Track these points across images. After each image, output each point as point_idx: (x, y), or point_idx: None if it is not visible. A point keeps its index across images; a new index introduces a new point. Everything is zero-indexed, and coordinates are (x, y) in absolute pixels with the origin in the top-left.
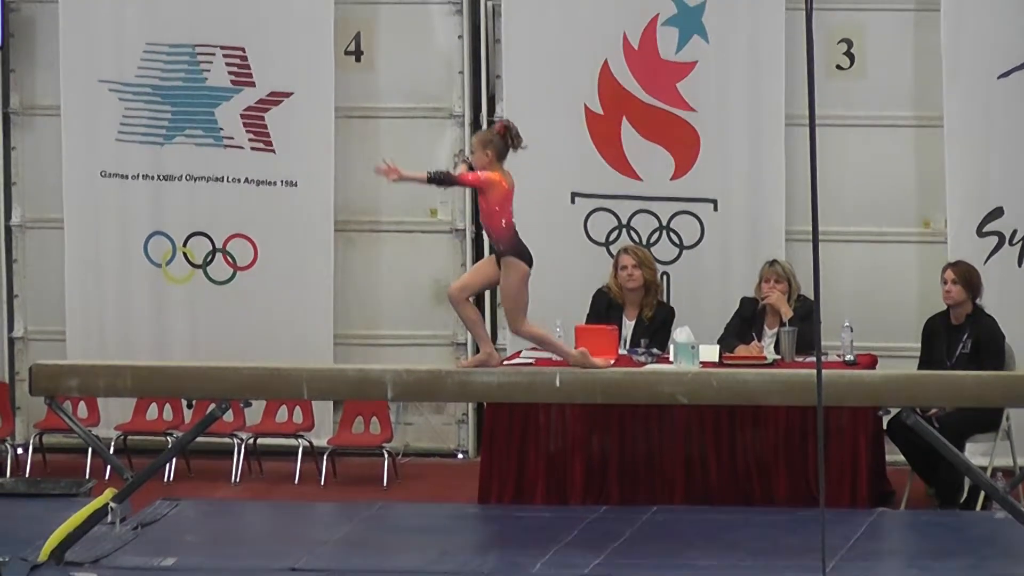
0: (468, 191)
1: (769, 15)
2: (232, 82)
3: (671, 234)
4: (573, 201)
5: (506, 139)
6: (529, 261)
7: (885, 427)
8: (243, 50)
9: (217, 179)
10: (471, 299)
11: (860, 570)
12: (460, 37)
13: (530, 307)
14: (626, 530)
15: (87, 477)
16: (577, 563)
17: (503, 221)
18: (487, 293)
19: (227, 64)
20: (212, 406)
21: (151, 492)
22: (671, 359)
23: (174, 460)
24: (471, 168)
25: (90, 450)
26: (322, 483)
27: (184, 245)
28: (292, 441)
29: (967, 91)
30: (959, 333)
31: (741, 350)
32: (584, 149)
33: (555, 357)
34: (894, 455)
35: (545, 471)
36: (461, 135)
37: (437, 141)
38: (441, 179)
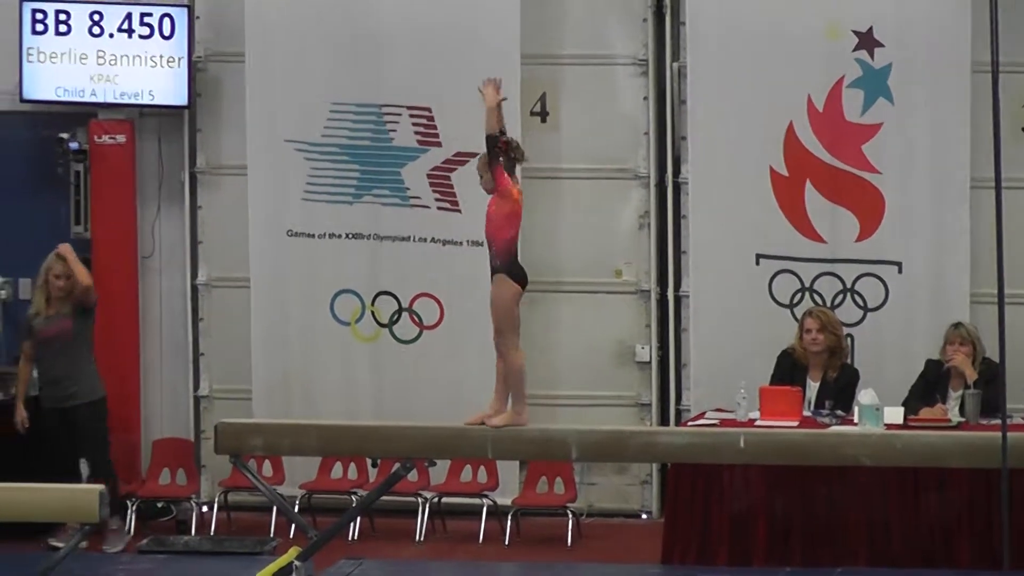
0: (653, 249)
1: (954, 77)
2: (418, 142)
3: (855, 296)
4: (758, 263)
5: (509, 153)
6: (522, 282)
7: None
8: (429, 110)
9: (403, 239)
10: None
11: None
12: (645, 98)
13: (716, 364)
14: None
15: (271, 535)
16: None
17: (507, 235)
18: (669, 358)
19: (413, 124)
20: (397, 465)
21: (335, 551)
22: (855, 421)
23: (358, 519)
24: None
25: (274, 508)
26: (506, 543)
27: (372, 304)
28: (476, 500)
29: None
30: None
31: (925, 412)
32: (769, 211)
33: (735, 417)
34: None
35: (729, 532)
36: (646, 196)
37: (622, 202)
38: (489, 140)
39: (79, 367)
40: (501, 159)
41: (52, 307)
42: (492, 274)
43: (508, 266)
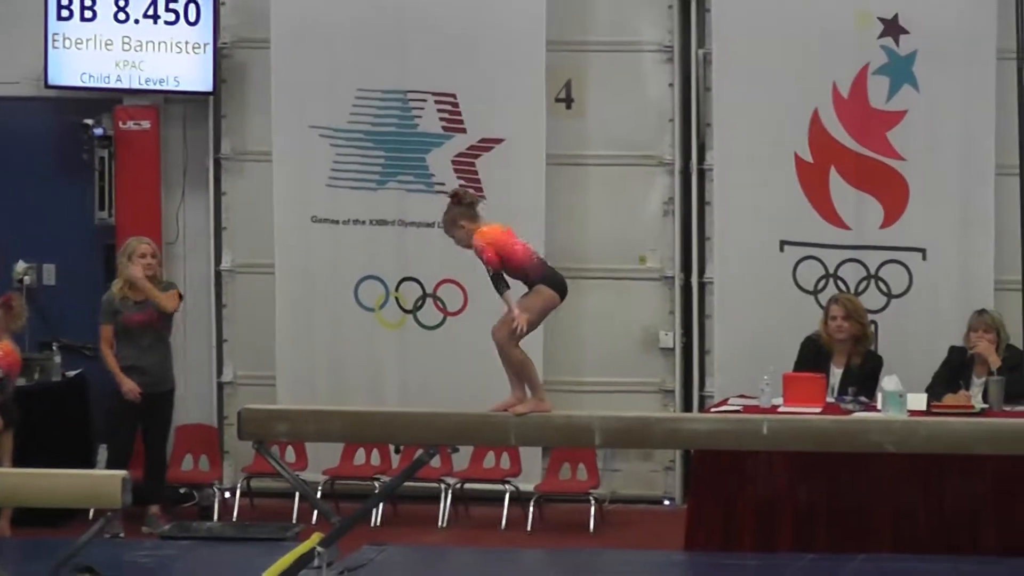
0: (677, 236)
1: (980, 64)
2: (444, 128)
3: (879, 283)
4: (782, 249)
5: (464, 201)
6: (561, 291)
7: None
8: (454, 96)
9: (428, 224)
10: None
11: None
12: (671, 85)
13: (740, 351)
14: None
15: (294, 521)
16: None
17: (515, 258)
18: (693, 344)
19: (439, 110)
20: (420, 451)
21: (358, 537)
22: (879, 407)
23: (381, 505)
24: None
25: (297, 494)
26: (529, 529)
27: (396, 290)
28: (499, 487)
29: None
30: None
31: (949, 399)
32: (793, 197)
33: (759, 403)
34: None
35: (753, 518)
36: (671, 183)
37: (647, 189)
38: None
39: (163, 355)
40: (459, 216)
41: (139, 291)
42: (529, 287)
43: (542, 277)
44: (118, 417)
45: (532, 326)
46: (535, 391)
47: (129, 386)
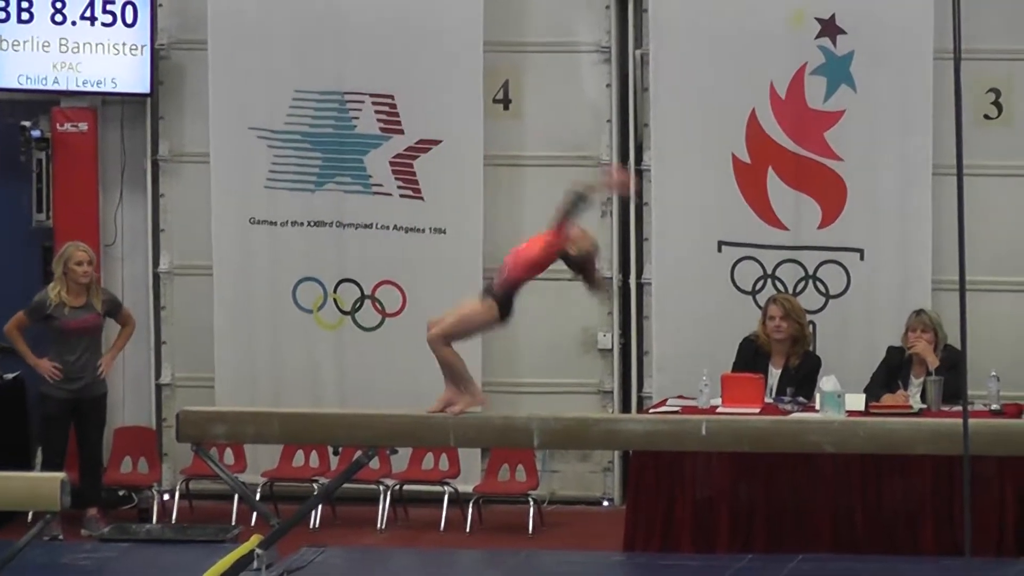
0: (615, 237)
1: (917, 64)
2: (381, 129)
3: (817, 283)
4: (720, 250)
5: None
6: (504, 319)
7: None
8: (392, 98)
9: (366, 226)
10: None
11: None
12: (608, 86)
13: (678, 351)
14: None
15: (233, 523)
16: None
17: (520, 276)
18: (632, 345)
19: (376, 112)
20: (358, 453)
21: (297, 539)
22: (817, 408)
23: (320, 507)
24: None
25: (236, 496)
26: (468, 530)
27: (334, 291)
28: (438, 488)
29: None
30: None
31: (887, 399)
32: (731, 198)
33: (697, 404)
34: None
35: (692, 519)
36: None
37: None
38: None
39: (97, 360)
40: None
41: (76, 297)
42: (484, 294)
43: (502, 298)
44: (51, 420)
45: (463, 336)
46: (467, 385)
47: (46, 367)
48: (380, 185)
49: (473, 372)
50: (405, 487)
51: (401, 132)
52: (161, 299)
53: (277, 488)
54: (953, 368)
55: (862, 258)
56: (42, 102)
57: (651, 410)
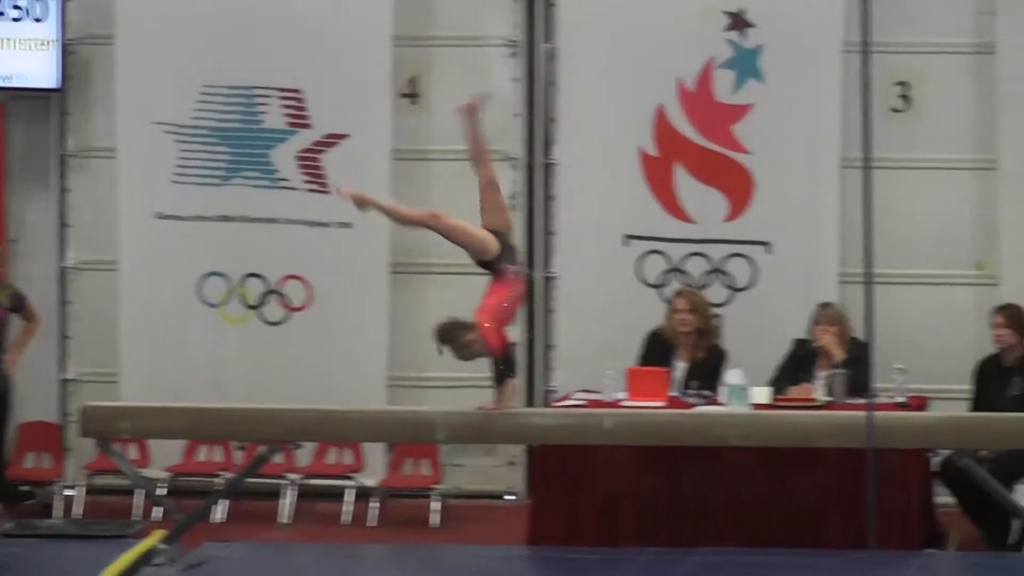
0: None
1: (825, 57)
2: (288, 124)
3: (724, 276)
4: (627, 244)
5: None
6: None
7: (936, 469)
8: (300, 92)
9: (272, 220)
10: None
11: None
12: (516, 80)
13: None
14: (675, 572)
15: (137, 518)
16: None
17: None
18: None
19: (283, 106)
20: (262, 448)
21: (201, 534)
22: (722, 401)
23: (224, 501)
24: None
25: (140, 491)
26: (372, 524)
27: (240, 286)
28: (342, 482)
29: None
30: (1010, 376)
31: (793, 392)
32: (638, 192)
33: (602, 398)
34: (943, 496)
35: (596, 513)
36: (517, 178)
37: None
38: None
39: (1, 356)
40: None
41: None
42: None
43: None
44: None
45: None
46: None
47: None
48: (287, 180)
49: (377, 366)
50: (309, 481)
51: (308, 126)
52: (67, 294)
53: (181, 483)
54: (859, 361)
55: (769, 251)
56: None
57: (556, 404)
